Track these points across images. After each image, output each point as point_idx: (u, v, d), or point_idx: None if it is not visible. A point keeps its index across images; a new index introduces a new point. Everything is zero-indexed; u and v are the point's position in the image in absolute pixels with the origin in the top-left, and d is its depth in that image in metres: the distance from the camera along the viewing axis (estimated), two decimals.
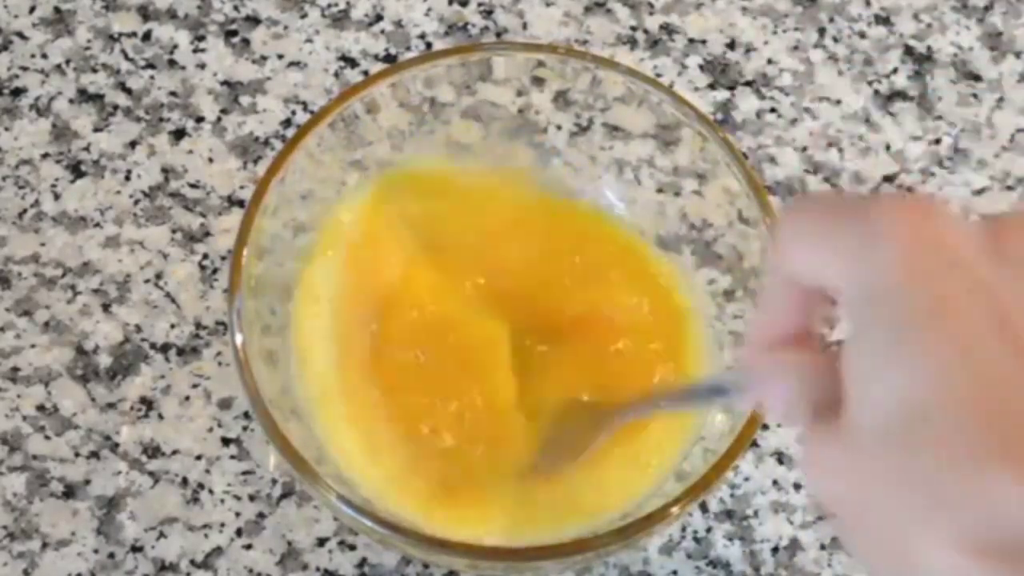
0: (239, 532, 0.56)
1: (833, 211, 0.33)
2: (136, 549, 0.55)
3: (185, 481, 0.57)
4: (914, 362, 0.30)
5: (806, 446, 0.34)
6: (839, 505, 0.33)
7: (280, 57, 0.65)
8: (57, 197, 0.62)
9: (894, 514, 0.31)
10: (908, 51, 0.67)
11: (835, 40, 0.67)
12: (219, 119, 0.64)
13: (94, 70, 0.65)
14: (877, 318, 0.31)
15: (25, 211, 0.61)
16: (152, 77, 0.65)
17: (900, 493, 0.31)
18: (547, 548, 0.47)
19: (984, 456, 0.29)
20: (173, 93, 0.64)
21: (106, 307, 0.60)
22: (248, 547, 0.56)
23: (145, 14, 0.66)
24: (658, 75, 0.65)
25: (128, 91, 0.64)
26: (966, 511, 0.29)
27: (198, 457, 0.57)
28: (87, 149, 0.63)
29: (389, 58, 0.65)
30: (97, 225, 0.61)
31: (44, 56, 0.65)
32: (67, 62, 0.65)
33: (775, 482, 0.58)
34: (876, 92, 0.66)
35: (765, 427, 0.58)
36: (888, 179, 0.64)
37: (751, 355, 0.37)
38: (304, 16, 0.66)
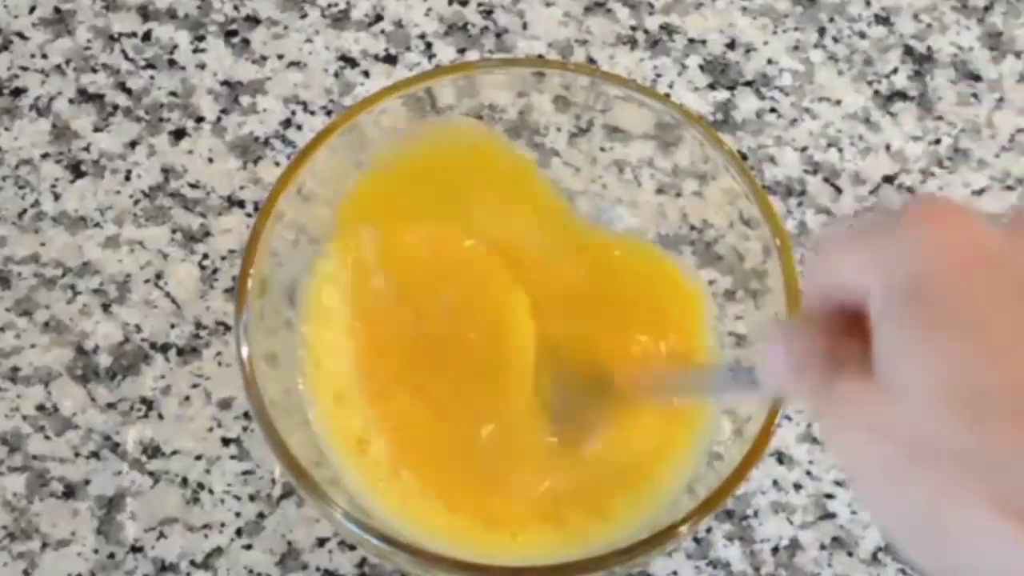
0: (239, 532, 0.56)
1: (867, 221, 0.35)
2: (136, 549, 0.55)
3: (185, 481, 0.57)
4: (954, 344, 0.31)
5: (832, 406, 0.34)
6: (866, 471, 0.33)
7: (280, 57, 0.65)
8: (57, 197, 0.62)
9: (930, 479, 0.31)
10: (908, 51, 0.67)
11: (835, 40, 0.67)
12: (219, 119, 0.64)
13: (94, 70, 0.65)
14: (914, 306, 0.32)
15: (25, 211, 0.61)
16: (152, 77, 0.65)
17: (939, 458, 0.31)
18: (550, 568, 0.47)
19: None
20: (173, 93, 0.64)
21: (106, 307, 0.60)
22: (248, 547, 0.56)
23: (145, 14, 0.66)
24: (658, 75, 0.65)
25: (128, 91, 0.64)
26: (1009, 474, 0.30)
27: (198, 457, 0.57)
28: (87, 149, 0.63)
29: (389, 58, 0.65)
30: (97, 225, 0.61)
31: (44, 56, 0.65)
32: (67, 62, 0.65)
33: (775, 482, 0.58)
34: (876, 92, 0.66)
35: None
36: (888, 179, 0.64)
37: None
38: (304, 16, 0.66)
